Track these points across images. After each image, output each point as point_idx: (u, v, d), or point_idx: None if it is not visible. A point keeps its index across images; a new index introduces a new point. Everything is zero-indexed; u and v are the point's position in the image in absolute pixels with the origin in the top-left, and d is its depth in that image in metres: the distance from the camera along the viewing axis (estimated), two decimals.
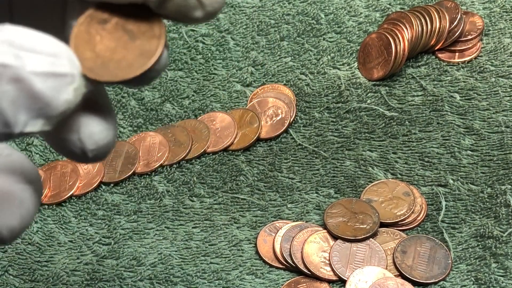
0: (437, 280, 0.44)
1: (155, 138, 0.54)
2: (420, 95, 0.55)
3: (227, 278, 0.46)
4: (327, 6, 0.62)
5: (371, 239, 0.46)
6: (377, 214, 0.47)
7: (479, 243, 0.46)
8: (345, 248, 0.46)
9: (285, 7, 0.63)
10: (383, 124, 0.53)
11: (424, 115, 0.53)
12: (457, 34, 0.56)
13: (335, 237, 0.47)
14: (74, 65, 0.20)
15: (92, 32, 0.21)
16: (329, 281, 0.45)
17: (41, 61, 0.19)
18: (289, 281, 0.45)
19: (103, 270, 0.47)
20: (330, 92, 0.56)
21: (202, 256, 0.48)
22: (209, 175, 0.52)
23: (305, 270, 0.45)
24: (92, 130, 0.21)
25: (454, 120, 0.53)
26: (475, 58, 0.56)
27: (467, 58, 0.56)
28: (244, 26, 0.62)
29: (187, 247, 0.48)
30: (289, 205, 0.50)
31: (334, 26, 0.61)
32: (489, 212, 0.47)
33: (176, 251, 0.48)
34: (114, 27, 0.21)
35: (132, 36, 0.21)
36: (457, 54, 0.57)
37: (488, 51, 0.57)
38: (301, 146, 0.53)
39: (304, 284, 0.45)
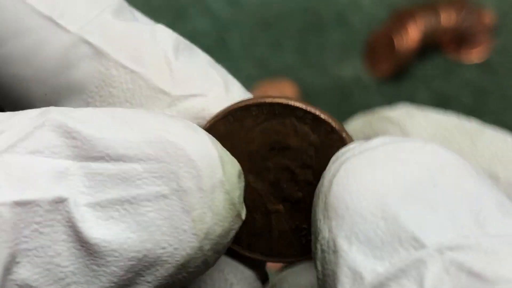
0: None
1: None
2: (428, 95, 0.54)
3: None
4: (331, 2, 0.61)
5: None
6: None
7: None
8: None
9: (288, 3, 0.62)
10: None
11: None
12: (465, 31, 0.55)
13: None
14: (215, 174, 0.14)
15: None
16: None
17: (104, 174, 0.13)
18: None
19: None
20: (333, 90, 0.55)
21: None
22: None
23: None
24: None
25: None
26: (485, 57, 0.55)
27: (476, 57, 0.55)
28: (246, 23, 0.61)
29: None
30: None
31: (338, 22, 0.60)
32: None
33: None
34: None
35: None
36: (465, 52, 0.56)
37: (498, 50, 0.56)
38: None
39: None
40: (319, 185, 0.14)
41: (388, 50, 0.55)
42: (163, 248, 0.13)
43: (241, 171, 0.15)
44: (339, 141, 0.17)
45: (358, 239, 0.12)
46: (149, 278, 0.13)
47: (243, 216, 0.15)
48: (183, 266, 0.13)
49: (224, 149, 0.14)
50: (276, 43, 0.59)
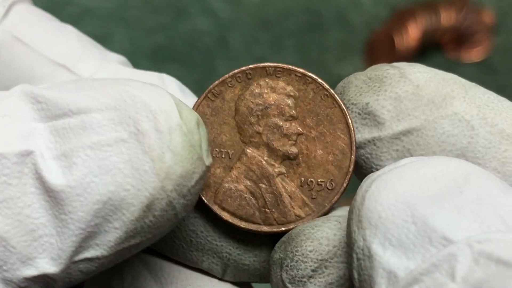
0: None
1: None
2: None
3: None
4: (332, 1, 0.61)
5: None
6: None
7: None
8: None
9: (289, 2, 0.62)
10: None
11: None
12: (465, 30, 0.55)
13: None
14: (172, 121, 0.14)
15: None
16: None
17: (70, 124, 0.14)
18: None
19: None
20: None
21: None
22: None
23: None
24: None
25: None
26: (485, 56, 0.55)
27: (476, 56, 0.55)
28: (246, 23, 0.61)
29: None
30: None
31: (339, 21, 0.60)
32: None
33: None
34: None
35: None
36: (465, 51, 0.55)
37: (498, 49, 0.56)
38: None
39: None
40: (352, 202, 0.15)
41: (388, 49, 0.55)
42: (126, 189, 0.13)
43: (201, 121, 0.15)
44: (312, 83, 0.19)
45: (391, 244, 0.13)
46: (116, 224, 0.14)
47: (207, 163, 0.15)
48: (148, 208, 0.14)
49: (183, 102, 0.15)
50: (277, 42, 0.59)
